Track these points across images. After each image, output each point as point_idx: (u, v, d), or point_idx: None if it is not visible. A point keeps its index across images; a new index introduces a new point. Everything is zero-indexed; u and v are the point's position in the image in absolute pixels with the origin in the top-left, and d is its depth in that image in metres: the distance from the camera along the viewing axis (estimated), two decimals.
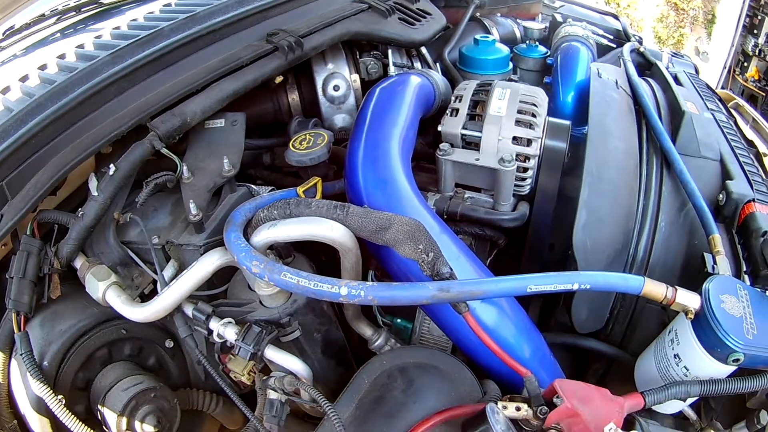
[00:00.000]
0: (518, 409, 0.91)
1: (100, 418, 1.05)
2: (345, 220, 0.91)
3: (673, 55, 1.40)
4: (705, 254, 1.06)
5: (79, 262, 1.07)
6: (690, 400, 1.01)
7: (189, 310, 1.02)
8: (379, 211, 0.92)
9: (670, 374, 0.97)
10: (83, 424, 0.96)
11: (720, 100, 1.36)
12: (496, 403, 0.86)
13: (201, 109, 1.08)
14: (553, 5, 1.63)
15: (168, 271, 1.04)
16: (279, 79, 1.24)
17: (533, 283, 0.89)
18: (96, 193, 1.04)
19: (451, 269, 0.91)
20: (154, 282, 1.10)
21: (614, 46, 1.50)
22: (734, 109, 1.42)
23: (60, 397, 0.96)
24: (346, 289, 0.84)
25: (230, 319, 0.99)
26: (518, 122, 1.11)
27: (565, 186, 1.24)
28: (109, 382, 1.06)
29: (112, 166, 1.04)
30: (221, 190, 1.11)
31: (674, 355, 0.99)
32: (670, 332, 1.01)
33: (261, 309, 0.99)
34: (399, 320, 1.18)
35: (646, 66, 1.39)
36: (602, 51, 1.45)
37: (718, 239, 1.06)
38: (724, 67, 2.92)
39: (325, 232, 0.89)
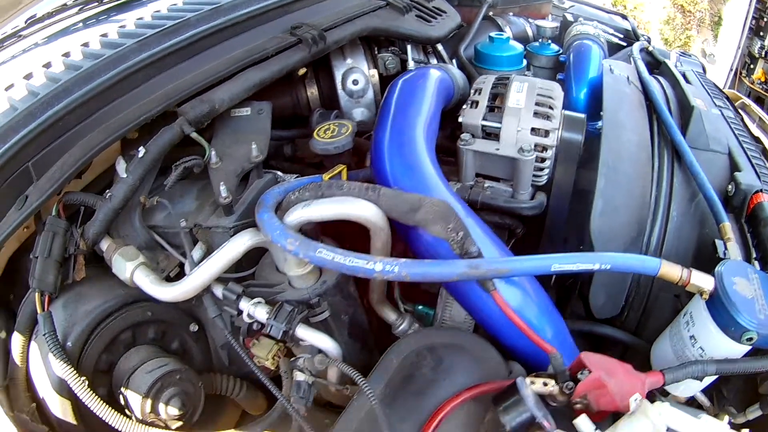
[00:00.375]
0: (545, 384, 0.97)
1: (122, 401, 1.07)
2: (377, 200, 0.97)
3: (681, 55, 1.49)
4: (716, 241, 1.14)
5: (105, 244, 1.11)
6: (704, 385, 1.07)
7: (218, 290, 1.06)
8: (410, 193, 0.98)
9: (686, 356, 1.04)
10: (107, 405, 0.97)
11: (727, 98, 1.45)
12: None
13: (229, 97, 1.13)
14: (562, 5, 1.73)
15: (196, 253, 1.09)
16: (302, 71, 1.30)
17: (557, 263, 0.96)
18: (125, 175, 1.09)
19: (479, 248, 0.97)
20: (180, 265, 1.14)
21: (624, 44, 1.59)
22: (741, 108, 1.51)
23: (83, 378, 0.98)
24: (380, 265, 0.89)
25: (260, 299, 1.03)
26: (536, 114, 1.18)
27: (580, 179, 1.31)
28: (133, 364, 1.09)
29: (141, 148, 1.09)
30: (248, 176, 1.16)
31: (690, 337, 1.05)
32: (685, 315, 1.08)
33: (290, 290, 1.04)
34: (421, 307, 1.23)
35: (654, 65, 1.48)
36: (612, 50, 1.54)
37: (728, 227, 1.14)
38: (731, 69, 3.02)
39: (359, 211, 0.95)
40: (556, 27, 1.57)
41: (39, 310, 1.02)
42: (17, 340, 1.08)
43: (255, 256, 1.13)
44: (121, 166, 1.11)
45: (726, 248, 1.13)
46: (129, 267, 1.06)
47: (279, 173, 1.16)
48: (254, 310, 1.02)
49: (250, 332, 1.15)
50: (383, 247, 1.00)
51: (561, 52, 1.52)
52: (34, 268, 1.04)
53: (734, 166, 1.28)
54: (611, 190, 1.16)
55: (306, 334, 1.00)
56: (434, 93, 1.19)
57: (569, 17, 1.62)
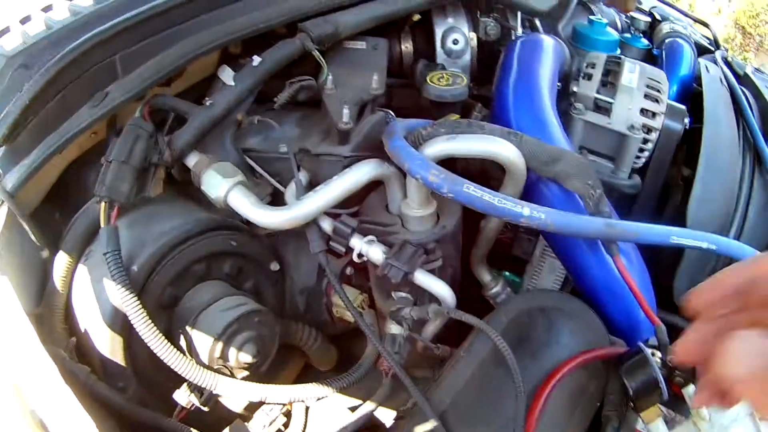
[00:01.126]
0: (653, 354, 0.96)
1: (185, 343, 0.97)
2: (519, 145, 0.93)
3: (755, 71, 1.56)
4: None
5: (193, 159, 1.01)
6: None
7: (325, 223, 0.98)
8: (551, 144, 0.95)
9: None
10: (172, 346, 0.87)
11: None
12: None
13: (354, 23, 1.08)
14: (642, 6, 1.77)
15: (302, 179, 1.01)
16: (417, 17, 1.26)
17: (675, 236, 0.98)
18: (232, 83, 1.00)
19: (611, 209, 0.96)
20: (272, 195, 1.06)
21: (712, 49, 1.65)
22: None
23: (144, 311, 0.87)
24: (528, 210, 0.87)
25: (373, 238, 0.97)
26: (646, 96, 1.19)
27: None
28: (204, 300, 0.97)
29: (256, 57, 1.01)
30: (362, 111, 1.09)
31: None
32: None
33: (406, 231, 0.98)
34: (507, 273, 1.21)
35: (734, 75, 1.54)
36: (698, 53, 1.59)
37: None
38: None
39: (505, 151, 0.92)
40: (648, 22, 1.61)
41: (103, 223, 0.89)
42: (62, 260, 0.95)
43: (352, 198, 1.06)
44: (227, 74, 1.02)
45: None
46: (225, 185, 0.97)
47: (391, 113, 1.09)
48: (368, 248, 0.96)
49: (341, 277, 1.07)
50: (515, 194, 0.96)
51: (651, 47, 1.55)
52: (105, 173, 0.91)
53: None
54: (709, 178, 1.20)
55: (425, 279, 0.95)
56: (553, 57, 1.18)
57: (657, 15, 1.66)
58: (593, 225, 0.91)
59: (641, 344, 0.97)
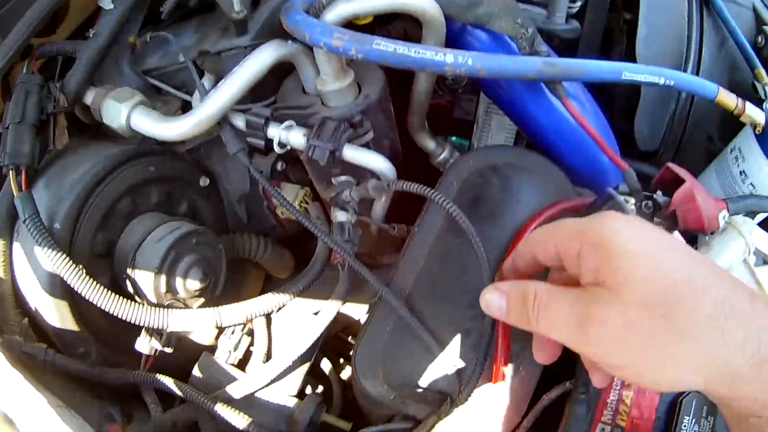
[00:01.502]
0: (626, 201, 0.88)
1: (131, 287, 0.90)
2: None
3: None
4: (755, 83, 1.10)
5: (91, 95, 0.90)
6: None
7: (238, 120, 0.87)
8: None
9: (735, 191, 1.02)
10: (114, 294, 0.79)
11: None
12: None
13: None
14: None
15: (207, 82, 0.90)
16: None
17: (627, 71, 0.87)
18: (111, 7, 0.87)
19: (549, 48, 0.85)
20: (183, 107, 0.95)
21: None
22: None
23: (79, 266, 0.79)
24: (451, 57, 0.76)
25: (292, 122, 0.86)
26: None
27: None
28: (138, 237, 0.90)
29: None
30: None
31: (740, 172, 1.02)
32: (732, 150, 1.06)
33: (327, 109, 0.87)
34: (454, 138, 1.12)
35: None
36: None
37: (764, 72, 1.11)
38: None
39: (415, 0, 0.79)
40: None
41: (15, 192, 0.81)
42: None
43: (267, 90, 0.94)
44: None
45: (765, 90, 1.09)
46: (125, 109, 0.86)
47: None
48: (288, 135, 0.85)
49: (273, 175, 0.98)
50: (437, 45, 0.85)
51: None
52: (4, 140, 0.83)
53: (760, 21, 1.25)
54: (654, 17, 1.10)
55: (355, 154, 0.85)
56: None
57: None
58: (530, 64, 0.81)
59: (611, 190, 0.88)
